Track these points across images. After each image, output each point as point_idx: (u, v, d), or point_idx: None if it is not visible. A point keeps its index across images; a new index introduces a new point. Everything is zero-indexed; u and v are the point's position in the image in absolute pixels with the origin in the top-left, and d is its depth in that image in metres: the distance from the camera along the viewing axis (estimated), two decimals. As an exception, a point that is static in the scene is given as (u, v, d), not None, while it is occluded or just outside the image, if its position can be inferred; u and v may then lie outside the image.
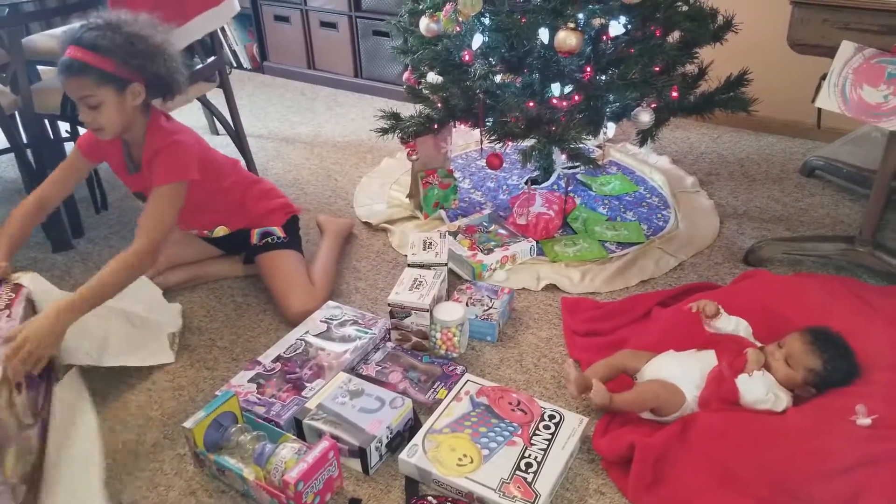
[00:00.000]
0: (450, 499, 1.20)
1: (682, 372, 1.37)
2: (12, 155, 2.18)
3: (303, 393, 1.45)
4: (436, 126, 2.07)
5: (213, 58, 2.16)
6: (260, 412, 1.39)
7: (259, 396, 1.44)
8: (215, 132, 2.92)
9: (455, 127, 2.18)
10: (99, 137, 1.58)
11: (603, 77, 1.89)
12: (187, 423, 1.27)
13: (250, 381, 1.48)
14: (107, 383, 1.58)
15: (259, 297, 1.87)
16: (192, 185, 1.62)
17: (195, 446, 1.28)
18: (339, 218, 2.17)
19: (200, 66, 2.13)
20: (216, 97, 2.41)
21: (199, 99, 2.38)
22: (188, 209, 1.64)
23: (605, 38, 1.88)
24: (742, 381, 1.33)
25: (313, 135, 2.94)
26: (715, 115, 2.01)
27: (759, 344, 1.44)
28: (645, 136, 2.00)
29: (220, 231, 1.87)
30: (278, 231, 1.86)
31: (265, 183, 1.95)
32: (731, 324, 1.46)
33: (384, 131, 2.10)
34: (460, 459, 1.28)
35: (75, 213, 2.16)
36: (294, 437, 1.31)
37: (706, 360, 1.39)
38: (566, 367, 1.40)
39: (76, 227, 2.18)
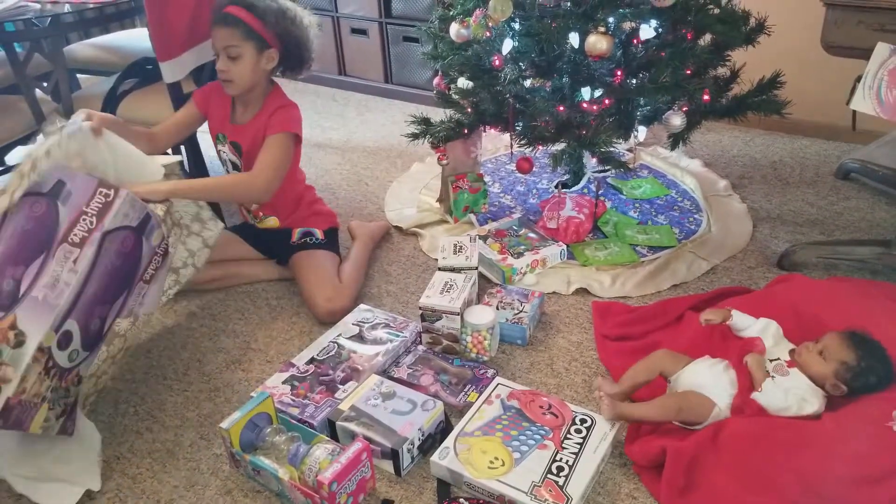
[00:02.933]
0: (481, 501, 1.21)
1: (712, 379, 1.36)
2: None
3: (336, 395, 1.47)
4: (466, 131, 2.08)
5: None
6: (294, 413, 1.42)
7: (293, 398, 1.46)
8: (248, 138, 2.97)
9: (485, 131, 2.20)
10: (225, 89, 1.75)
11: (633, 81, 1.89)
12: (223, 424, 1.30)
13: (284, 382, 1.51)
14: (145, 384, 1.63)
15: (293, 301, 1.90)
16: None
17: (231, 446, 1.31)
18: (370, 222, 2.20)
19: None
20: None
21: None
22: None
23: (635, 41, 1.88)
24: (757, 397, 1.32)
25: (345, 140, 2.97)
26: (747, 117, 1.99)
27: (791, 346, 1.42)
28: (676, 140, 1.99)
29: (271, 222, 1.93)
30: (318, 233, 1.94)
31: (315, 193, 2.05)
32: (759, 325, 1.45)
33: (415, 136, 2.12)
34: (492, 462, 1.29)
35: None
36: (327, 438, 1.33)
37: (732, 369, 1.38)
38: (597, 382, 1.41)
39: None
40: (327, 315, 1.76)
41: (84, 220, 1.30)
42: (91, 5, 1.95)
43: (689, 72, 1.88)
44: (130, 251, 1.39)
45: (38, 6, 1.93)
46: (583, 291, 1.86)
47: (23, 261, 1.28)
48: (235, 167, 1.86)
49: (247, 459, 1.30)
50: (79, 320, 1.30)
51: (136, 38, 2.60)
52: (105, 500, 1.34)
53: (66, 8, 1.93)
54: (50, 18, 1.85)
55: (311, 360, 1.58)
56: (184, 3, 1.80)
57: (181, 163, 1.69)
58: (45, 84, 2.43)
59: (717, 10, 1.92)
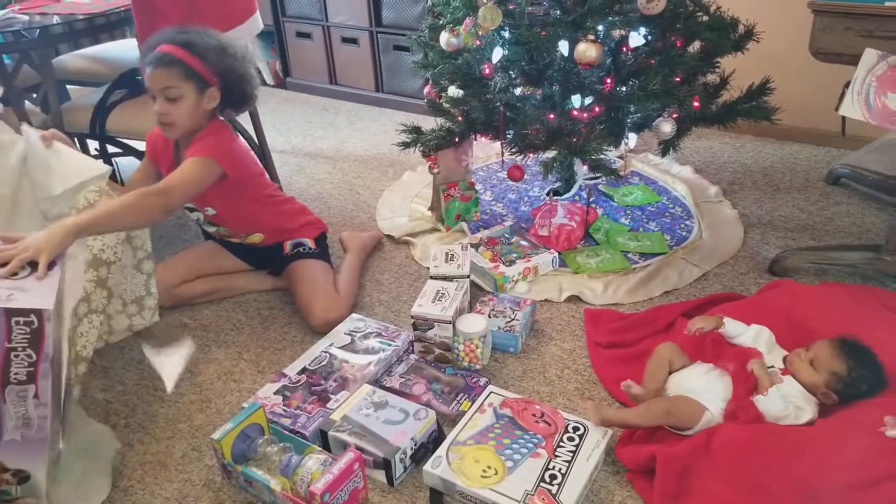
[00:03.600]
0: (474, 510, 1.20)
1: (705, 385, 1.37)
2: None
3: (328, 405, 1.46)
4: (457, 139, 2.08)
5: (237, 75, 2.20)
6: (286, 424, 1.41)
7: (285, 408, 1.45)
8: (240, 148, 2.96)
9: (476, 140, 2.20)
10: (164, 133, 1.68)
11: (623, 88, 1.89)
12: (215, 435, 1.29)
13: (276, 393, 1.50)
14: (136, 395, 1.62)
15: (284, 311, 1.89)
16: (231, 183, 1.68)
17: (223, 458, 1.30)
18: (362, 232, 2.20)
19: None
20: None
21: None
22: (227, 210, 1.76)
23: (625, 49, 1.89)
24: (759, 402, 1.32)
25: (336, 149, 2.97)
26: (737, 124, 2.00)
27: (784, 352, 1.43)
28: (667, 147, 2.00)
29: (256, 237, 1.89)
30: (310, 243, 1.92)
31: (297, 202, 2.01)
32: (752, 332, 1.45)
33: (406, 145, 2.12)
34: (484, 471, 1.28)
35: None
36: (320, 449, 1.32)
37: (727, 376, 1.38)
38: (624, 386, 1.41)
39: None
40: (324, 325, 1.75)
41: (16, 356, 1.10)
42: (80, 16, 1.95)
43: (678, 79, 1.89)
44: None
45: (26, 18, 1.93)
46: (575, 299, 1.86)
47: None
48: (192, 209, 1.81)
49: (238, 471, 1.29)
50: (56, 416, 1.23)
51: (125, 49, 2.59)
52: (96, 513, 1.33)
53: (55, 19, 1.93)
54: (39, 30, 1.85)
55: (303, 370, 1.57)
56: (170, 14, 1.80)
57: (113, 173, 1.64)
58: (34, 95, 2.43)
59: (705, 18, 1.93)
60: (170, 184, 1.56)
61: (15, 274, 1.18)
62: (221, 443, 1.28)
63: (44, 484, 1.19)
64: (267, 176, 1.93)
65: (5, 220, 1.45)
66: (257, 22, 2.10)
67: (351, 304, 1.86)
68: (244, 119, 2.41)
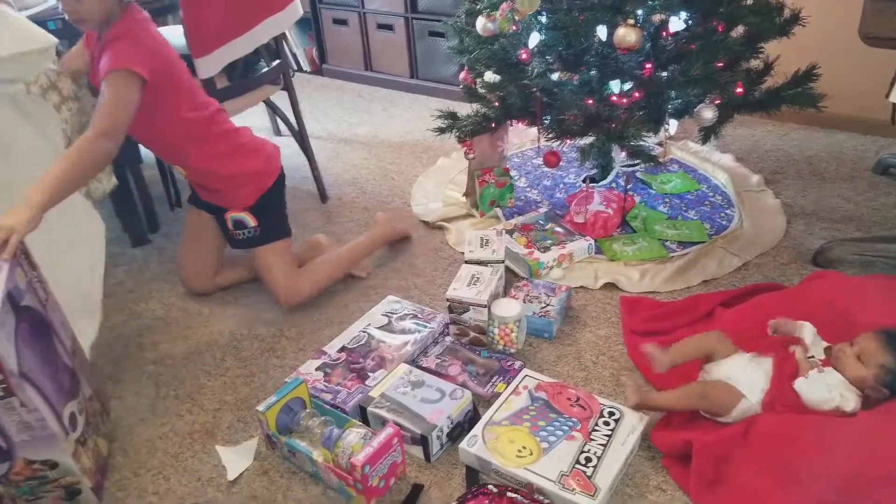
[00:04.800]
0: (510, 488, 1.22)
1: (744, 374, 1.36)
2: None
3: (366, 382, 1.49)
4: (493, 125, 2.09)
5: (277, 61, 2.23)
6: (327, 399, 1.44)
7: (326, 384, 1.49)
8: (278, 133, 3.01)
9: (512, 125, 2.20)
10: (80, 29, 1.60)
11: (664, 73, 1.88)
12: (260, 407, 1.34)
13: (317, 369, 1.54)
14: (185, 369, 1.68)
15: (323, 291, 1.92)
16: (146, 91, 1.52)
17: (268, 429, 1.34)
18: (398, 224, 2.13)
19: (266, 69, 2.20)
20: (280, 100, 2.48)
21: (264, 101, 2.46)
22: (142, 123, 1.55)
23: (665, 33, 1.87)
24: (800, 385, 1.30)
25: (371, 135, 3.00)
26: (781, 111, 1.96)
27: (825, 344, 1.41)
28: (708, 134, 1.97)
29: (178, 171, 1.76)
30: (249, 220, 1.77)
31: (243, 136, 1.78)
32: (797, 322, 1.43)
33: (441, 131, 2.13)
34: (519, 451, 1.30)
35: (151, 209, 2.27)
36: (359, 423, 1.35)
37: (768, 364, 1.37)
38: (646, 349, 1.40)
39: (152, 222, 2.29)
40: (290, 307, 1.83)
41: None
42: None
43: (720, 64, 1.87)
44: (40, 330, 1.27)
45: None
46: (610, 286, 1.86)
47: None
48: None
49: (282, 441, 1.33)
50: (65, 402, 1.27)
51: (169, 35, 2.64)
52: (149, 477, 1.39)
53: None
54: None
55: (343, 349, 1.60)
56: (215, 2, 1.82)
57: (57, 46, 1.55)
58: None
59: (749, 1, 1.89)
60: (101, 120, 1.45)
61: None
62: (266, 414, 1.32)
63: (73, 465, 1.24)
64: (203, 94, 1.72)
65: None
66: (297, 9, 2.12)
67: (314, 288, 1.84)
68: (284, 105, 2.44)
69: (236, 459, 1.39)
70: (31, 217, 1.26)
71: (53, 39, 1.47)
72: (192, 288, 1.93)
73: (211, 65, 1.88)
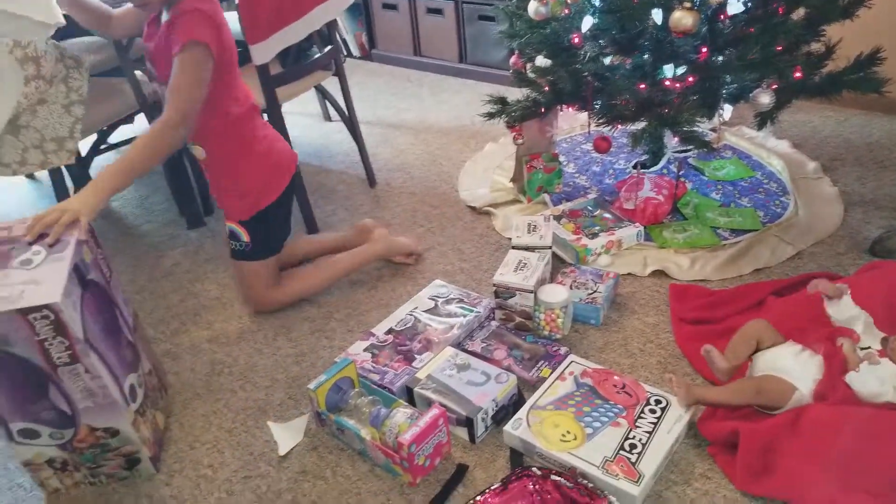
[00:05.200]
0: (554, 471, 1.23)
1: (795, 365, 1.33)
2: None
3: (413, 364, 1.52)
4: (543, 110, 2.08)
5: (329, 47, 2.25)
6: (374, 379, 1.48)
7: (374, 365, 1.52)
8: (328, 118, 3.05)
9: (562, 110, 2.18)
10: (144, 11, 1.57)
11: (720, 57, 1.83)
12: (311, 385, 1.38)
13: (365, 350, 1.57)
14: (238, 347, 1.73)
15: (371, 274, 1.96)
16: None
17: (318, 406, 1.39)
18: (400, 238, 2.02)
19: (318, 55, 2.23)
20: (330, 85, 2.52)
21: (315, 87, 2.49)
22: None
23: (722, 16, 1.82)
24: (851, 378, 1.28)
25: (419, 120, 3.01)
26: (842, 96, 1.90)
27: (881, 334, 1.37)
28: (764, 119, 1.92)
29: (197, 151, 1.68)
30: (243, 235, 1.74)
31: (261, 143, 1.72)
32: (852, 311, 1.40)
33: (490, 116, 2.13)
34: (564, 436, 1.31)
35: (206, 193, 2.34)
36: (406, 404, 1.38)
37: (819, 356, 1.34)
38: (705, 350, 1.40)
39: (207, 206, 2.36)
40: (255, 312, 1.83)
41: (50, 345, 1.16)
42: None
43: (779, 48, 1.81)
44: (104, 304, 1.33)
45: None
46: (659, 273, 1.84)
47: (36, 398, 1.23)
48: (153, 78, 1.66)
49: (332, 419, 1.37)
50: (126, 374, 1.34)
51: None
52: (204, 450, 1.45)
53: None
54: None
55: (390, 331, 1.63)
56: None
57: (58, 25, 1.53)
58: (147, 65, 2.56)
59: (811, -17, 1.83)
60: (180, 103, 1.46)
61: (51, 245, 1.23)
62: (317, 392, 1.37)
63: (133, 434, 1.31)
64: (245, 87, 1.69)
65: None
66: (349, -6, 2.14)
67: (294, 296, 1.83)
68: (335, 90, 2.47)
69: (287, 435, 1.44)
70: (98, 202, 1.35)
71: (58, 19, 1.45)
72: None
73: (266, 51, 1.91)
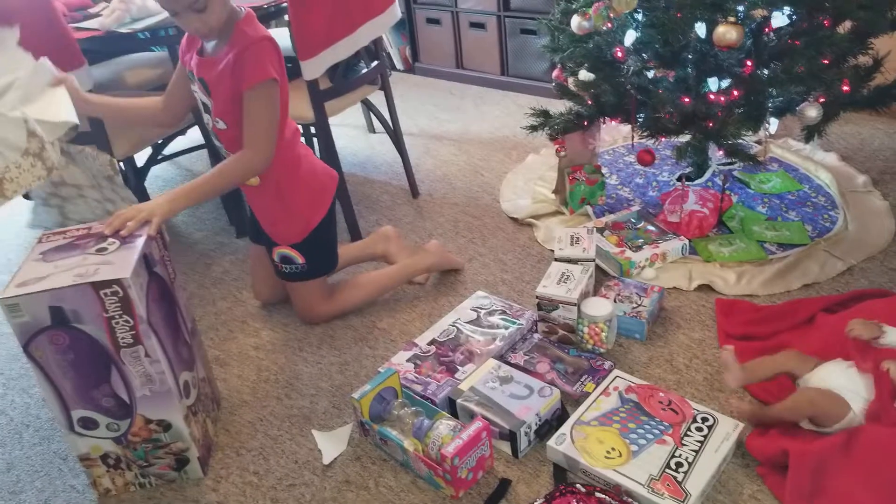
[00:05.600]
0: (598, 488, 1.23)
1: (848, 381, 1.31)
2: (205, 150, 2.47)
3: (455, 375, 1.53)
4: (585, 122, 2.08)
5: (375, 62, 2.30)
6: (417, 390, 1.49)
7: (416, 375, 1.54)
8: (372, 130, 3.10)
9: (604, 123, 2.18)
10: (201, 39, 1.57)
11: (765, 71, 1.81)
12: (355, 395, 1.40)
13: (408, 360, 1.59)
14: (283, 355, 1.77)
15: (414, 286, 1.98)
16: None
17: (362, 416, 1.41)
18: (444, 256, 2.01)
19: (366, 70, 2.28)
20: (375, 97, 2.56)
21: (361, 100, 2.54)
22: (239, 133, 1.57)
23: (767, 30, 1.81)
24: None
25: (461, 132, 3.04)
26: (891, 108, 1.86)
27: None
28: (811, 132, 1.89)
29: (253, 179, 1.67)
30: (297, 258, 1.75)
31: (304, 164, 1.74)
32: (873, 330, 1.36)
33: (533, 128, 2.14)
34: (608, 452, 1.30)
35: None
36: (449, 416, 1.39)
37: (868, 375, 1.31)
38: (724, 355, 1.38)
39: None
40: (307, 323, 1.85)
41: (116, 323, 1.22)
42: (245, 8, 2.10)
43: (826, 61, 1.79)
44: (166, 298, 1.39)
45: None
46: (705, 288, 1.82)
47: (98, 382, 1.28)
48: (207, 110, 1.64)
49: (375, 429, 1.39)
50: (181, 370, 1.39)
51: (276, 38, 2.77)
52: (250, 457, 1.48)
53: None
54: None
55: (432, 342, 1.65)
56: (322, 5, 1.90)
57: (76, 126, 1.50)
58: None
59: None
60: (260, 141, 1.53)
61: (124, 238, 1.32)
62: (361, 402, 1.39)
63: (185, 429, 1.35)
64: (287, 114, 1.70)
65: None
66: (396, 11, 2.18)
67: (343, 309, 1.86)
68: (379, 103, 2.52)
69: (331, 445, 1.47)
70: (170, 209, 1.44)
71: (69, 120, 1.45)
72: (264, 297, 1.97)
73: (317, 66, 1.96)
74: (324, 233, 1.78)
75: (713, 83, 1.86)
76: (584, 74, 2.06)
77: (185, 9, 1.45)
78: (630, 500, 1.21)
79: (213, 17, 1.47)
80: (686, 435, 1.32)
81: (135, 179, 2.28)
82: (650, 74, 1.90)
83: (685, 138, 1.90)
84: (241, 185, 1.66)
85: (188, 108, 1.75)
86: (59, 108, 1.46)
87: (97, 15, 2.16)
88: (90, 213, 1.59)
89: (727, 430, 1.33)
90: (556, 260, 1.79)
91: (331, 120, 2.14)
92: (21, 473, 1.52)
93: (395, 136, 2.46)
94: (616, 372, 1.50)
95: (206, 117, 1.67)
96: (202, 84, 1.59)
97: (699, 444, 1.30)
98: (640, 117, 1.97)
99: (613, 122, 2.12)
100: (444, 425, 1.32)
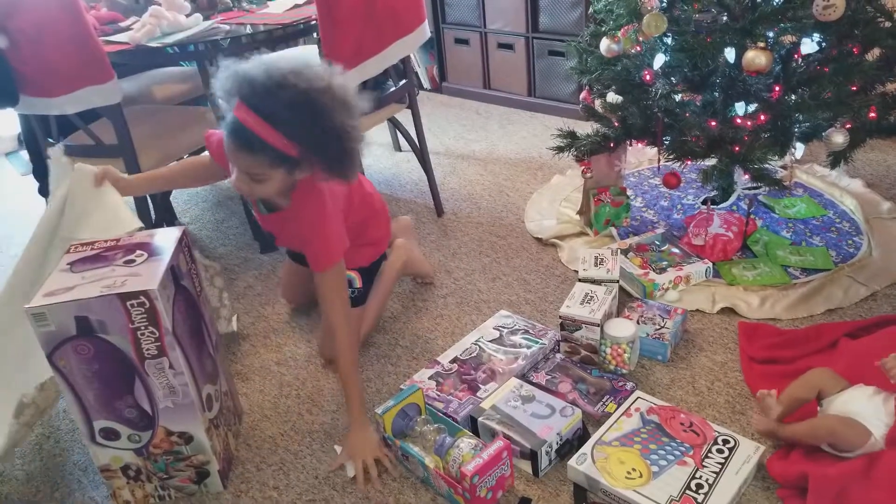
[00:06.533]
0: (618, 509, 1.23)
1: (869, 407, 1.30)
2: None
3: (477, 393, 1.54)
4: (612, 144, 2.10)
5: (403, 81, 2.34)
6: (439, 407, 1.51)
7: (438, 393, 1.56)
8: (398, 149, 3.14)
9: (631, 145, 2.20)
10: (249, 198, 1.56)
11: (792, 96, 1.82)
12: (378, 410, 1.42)
13: (430, 378, 1.61)
14: (305, 370, 1.79)
15: (437, 303, 2.00)
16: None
17: (384, 431, 1.42)
18: (416, 261, 2.07)
19: (393, 88, 2.32)
20: (401, 116, 2.60)
21: (388, 119, 2.58)
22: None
23: (796, 56, 1.82)
24: None
25: (487, 152, 3.07)
26: (919, 136, 1.86)
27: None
28: (837, 158, 1.89)
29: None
30: (356, 280, 1.74)
31: (376, 201, 1.80)
32: None
33: (560, 150, 2.17)
34: (629, 473, 1.31)
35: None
36: (470, 434, 1.40)
37: (892, 400, 1.30)
38: (764, 399, 1.39)
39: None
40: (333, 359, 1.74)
41: (142, 335, 1.24)
42: (262, 28, 2.16)
43: (854, 88, 1.79)
44: (192, 311, 1.40)
45: (227, 28, 2.17)
46: (728, 311, 1.82)
47: (122, 392, 1.30)
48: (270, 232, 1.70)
49: (398, 444, 1.41)
50: (204, 383, 1.41)
51: (304, 54, 2.83)
52: (270, 472, 1.50)
53: (248, 29, 2.16)
54: (230, 39, 2.08)
55: (455, 360, 1.67)
56: (350, 25, 1.95)
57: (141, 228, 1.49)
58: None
59: (887, 24, 1.81)
60: (333, 316, 1.50)
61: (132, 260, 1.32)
62: (384, 417, 1.41)
63: (206, 442, 1.37)
64: (350, 197, 1.66)
65: (38, 255, 1.52)
66: (425, 31, 2.22)
67: (366, 334, 1.84)
68: (406, 121, 2.56)
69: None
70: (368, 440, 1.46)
71: (135, 224, 1.47)
72: (295, 303, 2.02)
73: (344, 85, 2.00)
74: (380, 262, 1.84)
75: (740, 107, 1.88)
76: (612, 97, 2.08)
77: (243, 172, 1.36)
78: (650, 522, 1.21)
79: (265, 191, 1.41)
80: (707, 457, 1.32)
81: (161, 193, 2.33)
82: (678, 98, 1.91)
83: (711, 162, 1.91)
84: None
85: (187, 186, 1.93)
86: (116, 216, 1.48)
87: (128, 29, 2.21)
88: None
89: (748, 453, 1.32)
90: (579, 280, 1.80)
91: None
92: (40, 484, 1.54)
93: (421, 154, 2.50)
94: (638, 393, 1.51)
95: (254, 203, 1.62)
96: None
97: (720, 466, 1.30)
98: (666, 140, 1.98)
99: (640, 145, 2.13)
100: (466, 443, 1.33)
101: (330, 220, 1.49)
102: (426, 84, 3.96)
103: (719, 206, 2.24)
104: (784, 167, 2.23)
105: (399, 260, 1.98)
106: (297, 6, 2.37)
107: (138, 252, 1.33)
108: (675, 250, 2.01)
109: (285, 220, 1.56)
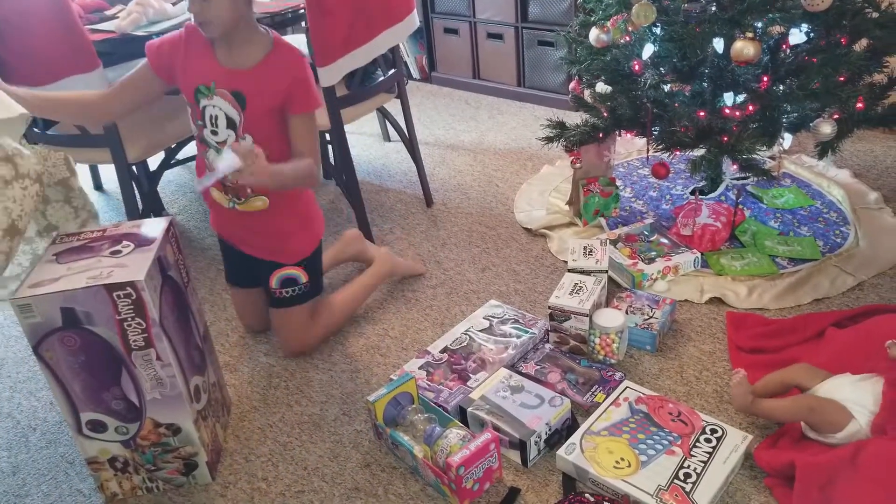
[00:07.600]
0: (607, 498, 1.24)
1: (855, 394, 1.31)
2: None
3: (467, 383, 1.55)
4: (601, 135, 2.10)
5: (392, 70, 2.33)
6: (429, 397, 1.51)
7: (428, 383, 1.56)
8: (387, 139, 3.13)
9: (620, 136, 2.20)
10: (203, 32, 1.49)
11: (781, 87, 1.83)
12: (370, 398, 1.42)
13: (420, 368, 1.61)
14: (295, 362, 1.79)
15: (426, 293, 2.00)
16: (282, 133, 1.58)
17: (376, 419, 1.43)
18: (403, 259, 2.10)
19: (382, 78, 2.31)
20: (391, 106, 2.59)
21: (377, 108, 2.57)
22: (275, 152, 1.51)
23: (784, 46, 1.82)
24: None
25: (476, 142, 3.06)
26: (906, 126, 1.87)
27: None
28: (825, 149, 1.91)
29: (258, 203, 1.62)
30: (301, 276, 1.71)
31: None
32: None
33: (549, 140, 2.16)
34: (617, 462, 1.31)
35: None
36: (460, 424, 1.41)
37: (878, 386, 1.32)
38: (735, 378, 1.39)
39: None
40: (292, 356, 1.79)
41: (129, 326, 1.23)
42: (259, 14, 2.13)
43: (842, 78, 1.80)
44: (179, 302, 1.39)
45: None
46: (716, 301, 1.83)
47: (109, 384, 1.29)
48: (231, 125, 1.55)
49: (388, 433, 1.41)
50: (192, 374, 1.40)
51: (294, 44, 2.81)
52: (259, 463, 1.50)
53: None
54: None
55: (445, 349, 1.67)
56: (339, 12, 1.93)
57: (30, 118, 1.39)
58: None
59: (875, 14, 1.82)
60: (310, 153, 1.57)
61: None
62: (375, 405, 1.41)
63: (194, 433, 1.37)
64: None
65: None
66: (415, 20, 2.20)
67: (326, 335, 1.82)
68: (395, 111, 2.55)
69: None
70: (271, 172, 1.42)
71: (21, 110, 1.34)
72: (259, 327, 1.91)
73: (334, 73, 1.98)
74: (321, 247, 1.79)
75: (729, 98, 1.88)
76: (601, 87, 2.08)
77: None
78: (638, 510, 1.22)
79: (217, 6, 1.42)
80: (695, 446, 1.33)
81: (147, 183, 2.31)
82: (667, 88, 1.91)
83: (700, 152, 1.91)
84: (241, 213, 1.63)
85: (133, 110, 1.66)
86: (3, 104, 1.34)
87: (114, 17, 2.18)
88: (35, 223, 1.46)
89: (736, 442, 1.33)
90: (569, 271, 1.80)
91: (346, 127, 2.17)
92: (27, 477, 1.53)
93: (411, 144, 2.49)
94: (626, 383, 1.51)
95: (220, 133, 1.55)
96: (235, 97, 1.52)
97: (708, 456, 1.31)
98: (655, 130, 1.99)
99: (629, 135, 2.14)
100: (454, 434, 1.33)
101: (310, 71, 1.57)
102: (415, 74, 3.94)
103: (708, 197, 2.25)
104: (772, 157, 2.24)
105: (384, 265, 1.99)
106: (284, -6, 2.35)
107: (125, 243, 1.32)
108: (664, 240, 2.02)
109: (268, 70, 1.53)
